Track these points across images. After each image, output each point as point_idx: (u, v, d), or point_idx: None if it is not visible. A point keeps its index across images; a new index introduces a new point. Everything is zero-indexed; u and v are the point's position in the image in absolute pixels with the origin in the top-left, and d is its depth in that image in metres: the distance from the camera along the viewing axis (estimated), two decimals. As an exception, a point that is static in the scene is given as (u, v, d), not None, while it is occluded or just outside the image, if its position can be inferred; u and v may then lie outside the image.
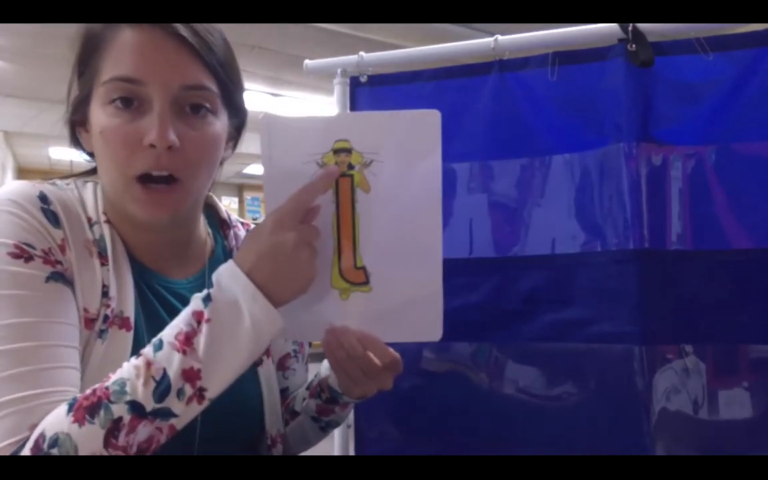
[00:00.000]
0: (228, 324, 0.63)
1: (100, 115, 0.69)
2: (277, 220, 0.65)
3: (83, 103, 0.72)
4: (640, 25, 1.10)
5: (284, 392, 0.91)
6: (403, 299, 0.72)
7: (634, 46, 1.09)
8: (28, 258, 0.65)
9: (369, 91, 1.31)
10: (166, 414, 0.61)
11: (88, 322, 0.68)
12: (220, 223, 0.88)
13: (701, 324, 1.07)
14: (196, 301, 0.64)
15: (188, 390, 0.61)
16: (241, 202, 7.79)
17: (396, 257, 0.72)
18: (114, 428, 0.59)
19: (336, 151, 0.70)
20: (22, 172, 7.01)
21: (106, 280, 0.70)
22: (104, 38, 0.69)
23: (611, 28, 1.12)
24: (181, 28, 0.68)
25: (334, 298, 0.72)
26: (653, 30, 1.10)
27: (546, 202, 1.17)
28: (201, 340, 0.61)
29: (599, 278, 1.11)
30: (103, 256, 0.71)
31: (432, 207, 0.72)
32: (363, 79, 1.31)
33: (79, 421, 0.59)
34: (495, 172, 1.21)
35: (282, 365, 0.90)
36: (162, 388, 0.60)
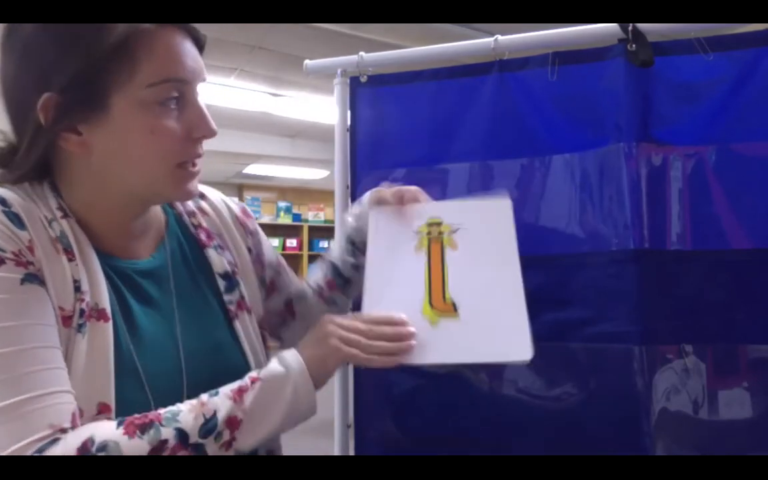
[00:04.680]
0: (274, 388, 0.72)
1: (143, 115, 0.69)
2: (343, 336, 0.76)
3: (90, 107, 0.69)
4: (640, 25, 1.10)
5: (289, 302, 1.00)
6: (489, 324, 0.82)
7: (634, 46, 1.09)
8: (0, 262, 0.65)
9: (369, 91, 1.31)
10: (201, 450, 0.67)
11: (66, 319, 0.68)
12: None
13: (701, 324, 1.07)
14: (255, 371, 0.74)
15: (225, 435, 0.68)
16: (240, 202, 7.80)
17: (481, 295, 0.84)
18: (159, 448, 0.64)
19: (429, 224, 0.90)
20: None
21: (76, 275, 0.70)
22: (141, 41, 0.68)
23: (611, 28, 1.12)
24: (196, 29, 0.73)
25: (424, 325, 0.82)
26: (653, 30, 1.10)
27: (546, 202, 1.17)
28: (250, 395, 0.70)
29: (599, 278, 1.11)
30: (68, 252, 0.70)
31: (512, 263, 0.85)
32: (363, 79, 1.31)
33: (129, 434, 0.64)
34: (495, 172, 1.21)
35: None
36: (209, 426, 0.67)
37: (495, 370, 1.19)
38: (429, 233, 0.88)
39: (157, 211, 0.84)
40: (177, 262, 0.82)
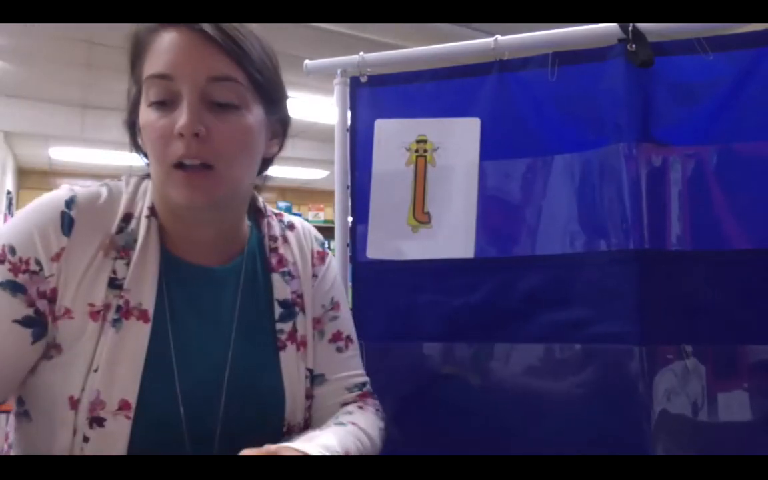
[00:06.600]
0: None
1: (143, 114, 0.73)
2: None
3: (136, 105, 0.75)
4: (640, 25, 1.10)
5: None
6: (449, 230, 1.17)
7: (634, 46, 1.09)
8: (1, 261, 0.68)
9: (369, 92, 1.31)
10: None
11: (94, 314, 0.70)
12: (255, 212, 0.90)
13: (701, 324, 1.07)
14: None
15: None
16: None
17: (448, 207, 1.17)
18: None
19: (418, 141, 1.21)
20: (22, 173, 7.01)
21: (121, 273, 0.72)
22: (145, 41, 0.73)
23: (611, 28, 1.12)
24: (207, 26, 0.71)
25: (408, 231, 1.20)
26: (653, 30, 1.10)
27: (546, 202, 1.17)
28: None
29: (599, 278, 1.11)
30: (124, 250, 0.73)
31: (472, 176, 1.18)
32: (363, 80, 1.31)
33: None
34: (494, 173, 1.21)
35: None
36: None
37: (496, 371, 1.19)
38: (417, 151, 1.20)
39: (241, 227, 0.85)
40: (247, 279, 0.82)
